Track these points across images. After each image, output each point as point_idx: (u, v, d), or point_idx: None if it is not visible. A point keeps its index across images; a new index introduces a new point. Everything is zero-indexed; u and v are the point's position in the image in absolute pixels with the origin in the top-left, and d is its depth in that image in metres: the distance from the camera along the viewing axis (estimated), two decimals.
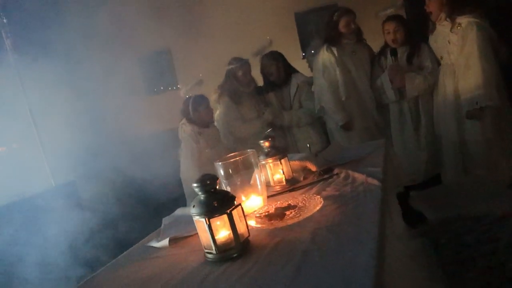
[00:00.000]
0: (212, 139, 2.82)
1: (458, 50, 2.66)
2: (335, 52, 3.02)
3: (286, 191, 1.65)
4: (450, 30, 2.64)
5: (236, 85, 3.06)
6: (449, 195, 2.09)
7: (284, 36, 7.43)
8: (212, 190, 1.15)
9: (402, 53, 2.98)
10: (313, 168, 1.78)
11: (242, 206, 1.47)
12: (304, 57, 6.34)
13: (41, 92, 3.26)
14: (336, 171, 1.70)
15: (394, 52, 2.94)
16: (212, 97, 3.05)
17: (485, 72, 2.53)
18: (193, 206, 1.15)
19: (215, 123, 3.04)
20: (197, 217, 1.14)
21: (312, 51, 3.20)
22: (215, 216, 1.13)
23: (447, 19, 2.66)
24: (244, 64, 3.05)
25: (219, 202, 1.13)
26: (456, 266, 1.30)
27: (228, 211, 1.13)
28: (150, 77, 8.74)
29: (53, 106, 3.24)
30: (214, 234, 1.14)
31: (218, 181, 1.16)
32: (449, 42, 2.69)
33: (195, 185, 1.14)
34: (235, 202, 1.17)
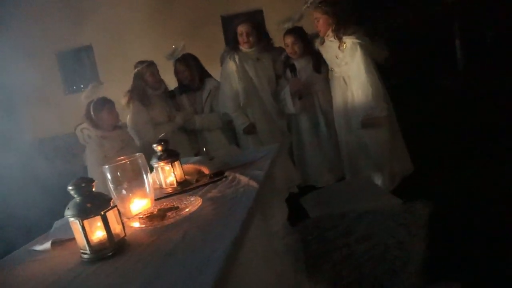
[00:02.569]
0: (118, 142, 2.79)
1: (345, 65, 2.91)
2: (237, 60, 3.14)
3: (177, 193, 1.73)
4: (338, 48, 2.89)
5: (145, 88, 3.07)
6: (341, 194, 2.31)
7: (211, 38, 7.50)
8: (88, 192, 1.20)
9: (307, 63, 3.18)
10: (206, 171, 1.88)
11: (130, 208, 1.54)
12: None
13: None
14: (226, 174, 1.82)
15: (293, 68, 3.10)
16: (122, 102, 3.03)
17: (372, 86, 2.79)
18: (68, 209, 1.19)
19: (121, 125, 3.00)
20: (72, 218, 1.18)
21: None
22: (90, 218, 1.18)
23: (334, 37, 2.90)
24: (150, 64, 3.07)
25: (93, 204, 1.19)
26: (315, 259, 1.48)
27: (103, 212, 1.19)
28: (69, 74, 8.33)
29: None
30: (90, 235, 1.19)
31: (94, 184, 1.22)
32: (336, 57, 2.94)
33: (70, 187, 1.18)
34: (111, 204, 1.23)
